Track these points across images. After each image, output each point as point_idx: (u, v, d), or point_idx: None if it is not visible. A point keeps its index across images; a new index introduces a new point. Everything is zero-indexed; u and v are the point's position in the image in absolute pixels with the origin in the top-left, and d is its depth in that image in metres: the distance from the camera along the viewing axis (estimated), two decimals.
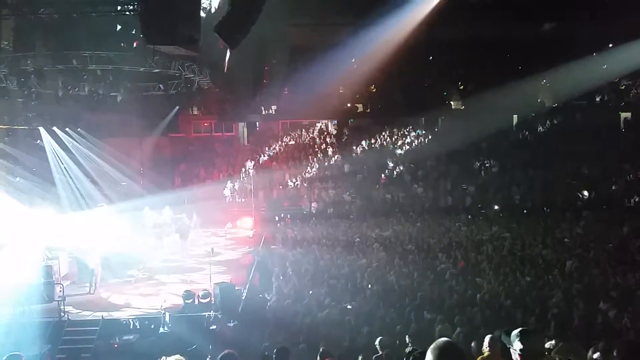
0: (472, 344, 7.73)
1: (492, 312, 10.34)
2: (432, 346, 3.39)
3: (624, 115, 35.43)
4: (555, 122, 34.46)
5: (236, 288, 14.56)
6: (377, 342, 8.03)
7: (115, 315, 13.92)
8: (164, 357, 4.95)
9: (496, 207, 26.52)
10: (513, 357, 4.30)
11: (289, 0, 25.31)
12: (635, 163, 26.75)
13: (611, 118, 34.42)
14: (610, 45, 30.11)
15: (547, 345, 5.84)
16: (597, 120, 31.85)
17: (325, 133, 36.22)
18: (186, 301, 13.74)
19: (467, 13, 28.54)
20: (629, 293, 11.31)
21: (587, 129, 30.71)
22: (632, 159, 27.11)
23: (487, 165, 30.17)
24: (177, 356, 4.88)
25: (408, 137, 33.53)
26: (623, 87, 35.34)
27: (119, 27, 24.40)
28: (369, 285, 12.90)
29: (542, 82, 34.88)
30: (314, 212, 26.85)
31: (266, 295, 14.55)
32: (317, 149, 33.12)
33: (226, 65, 9.63)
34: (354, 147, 32.36)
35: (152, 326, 13.19)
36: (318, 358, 7.81)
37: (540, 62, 31.50)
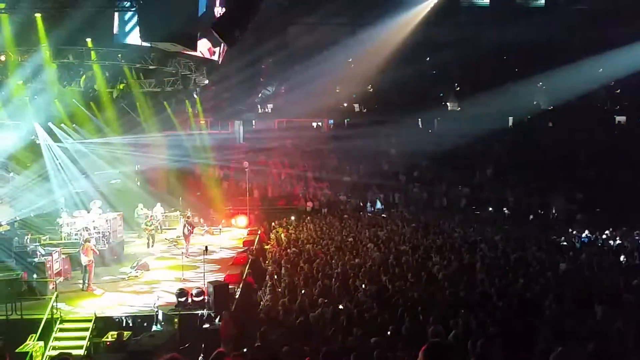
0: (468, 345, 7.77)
1: (485, 314, 10.35)
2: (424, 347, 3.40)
3: (619, 118, 35.63)
4: (550, 124, 34.61)
5: (230, 287, 14.55)
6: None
7: (108, 312, 13.88)
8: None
9: (490, 208, 26.63)
10: None
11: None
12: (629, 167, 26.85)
13: (606, 121, 34.61)
14: (606, 49, 30.24)
15: None
16: (591, 124, 32.01)
17: (322, 132, 36.23)
18: (179, 299, 13.72)
19: (464, 15, 28.65)
20: (620, 295, 11.35)
21: (581, 132, 30.84)
22: (626, 162, 27.21)
23: (482, 166, 30.23)
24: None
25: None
26: (618, 91, 35.49)
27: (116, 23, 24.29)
28: (363, 286, 12.90)
29: (538, 85, 35.00)
30: (309, 211, 26.87)
31: (259, 294, 14.56)
32: (313, 148, 33.11)
33: (220, 59, 9.64)
34: (350, 147, 32.36)
35: (145, 324, 13.17)
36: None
37: (536, 65, 31.61)
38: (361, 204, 28.20)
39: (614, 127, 35.20)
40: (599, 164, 28.00)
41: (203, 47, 19.23)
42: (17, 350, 11.76)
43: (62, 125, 25.45)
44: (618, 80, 32.98)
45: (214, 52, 20.25)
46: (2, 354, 10.95)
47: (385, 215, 25.29)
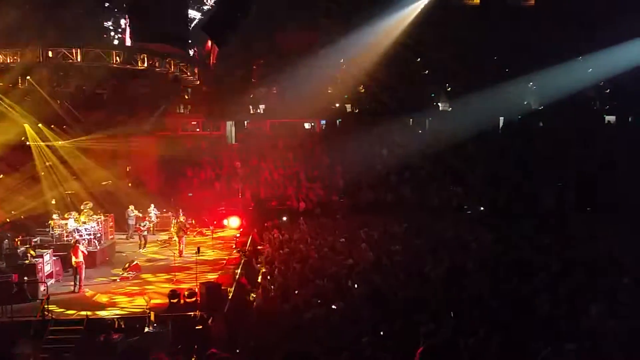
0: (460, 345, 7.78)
1: (478, 313, 10.38)
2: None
3: (608, 118, 35.85)
4: (540, 124, 34.77)
5: (222, 287, 14.54)
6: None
7: (100, 314, 13.83)
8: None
9: (482, 208, 26.69)
10: None
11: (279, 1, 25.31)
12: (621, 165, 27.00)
13: (596, 121, 34.82)
14: (596, 48, 30.44)
15: None
16: (581, 123, 32.17)
17: (314, 133, 36.21)
18: (172, 300, 13.68)
19: (455, 15, 28.73)
20: (613, 295, 11.41)
21: (572, 132, 30.99)
22: (616, 161, 27.37)
23: (473, 166, 30.29)
24: None
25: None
26: (608, 91, 35.71)
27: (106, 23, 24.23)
28: (355, 286, 12.91)
29: (529, 85, 35.17)
30: (301, 211, 26.82)
31: (252, 295, 14.54)
32: (305, 149, 33.08)
33: (212, 60, 9.64)
34: (342, 147, 32.33)
35: (137, 325, 13.11)
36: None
37: (526, 65, 31.76)
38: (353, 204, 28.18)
39: (604, 126, 35.40)
40: (589, 163, 28.12)
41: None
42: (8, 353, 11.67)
43: (53, 126, 25.32)
44: (608, 80, 33.19)
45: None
46: None
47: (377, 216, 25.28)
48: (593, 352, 7.92)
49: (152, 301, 14.03)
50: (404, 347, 8.16)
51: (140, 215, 22.83)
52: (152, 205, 23.62)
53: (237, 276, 16.06)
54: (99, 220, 19.96)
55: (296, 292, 12.91)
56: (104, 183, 25.22)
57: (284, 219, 24.37)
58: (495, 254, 16.46)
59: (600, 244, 17.32)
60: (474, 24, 28.77)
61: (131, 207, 23.08)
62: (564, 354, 7.88)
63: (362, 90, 36.94)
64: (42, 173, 24.52)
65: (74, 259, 15.73)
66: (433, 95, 37.18)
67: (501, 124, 35.82)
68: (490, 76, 30.94)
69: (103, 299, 15.16)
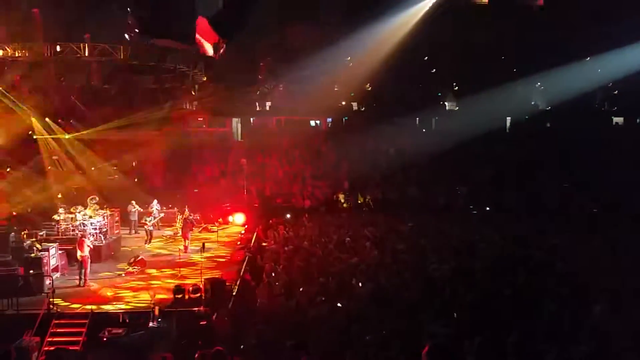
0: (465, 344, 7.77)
1: (482, 313, 10.35)
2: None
3: (616, 119, 35.69)
4: (548, 125, 34.64)
5: (227, 284, 14.56)
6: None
7: (105, 308, 13.87)
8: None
9: (488, 208, 26.64)
10: None
11: None
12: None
13: (603, 122, 34.66)
14: (605, 49, 30.30)
15: None
16: (589, 124, 32.03)
17: (319, 131, 36.19)
18: (176, 296, 13.72)
19: (463, 15, 28.64)
20: (617, 295, 11.36)
21: (579, 133, 30.86)
22: (624, 163, 27.22)
23: (480, 166, 30.22)
24: None
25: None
26: (616, 92, 35.53)
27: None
28: (360, 284, 12.90)
29: (536, 85, 35.03)
30: (306, 209, 26.84)
31: (257, 292, 14.54)
32: (310, 147, 33.08)
33: (219, 55, 9.61)
34: (348, 146, 32.29)
35: (142, 320, 13.14)
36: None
37: (534, 65, 31.63)
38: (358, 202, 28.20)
39: (611, 128, 35.24)
40: (596, 164, 28.01)
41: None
42: (13, 346, 11.72)
43: (60, 120, 25.41)
44: (616, 81, 33.03)
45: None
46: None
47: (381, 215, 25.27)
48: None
49: (157, 296, 14.06)
50: (408, 347, 8.15)
51: (142, 210, 22.90)
52: (155, 201, 23.66)
53: (242, 272, 16.07)
54: (105, 214, 20.01)
55: (300, 289, 12.91)
56: (109, 178, 25.29)
57: (288, 216, 24.36)
58: (500, 253, 16.44)
59: None
60: (482, 23, 28.65)
61: (133, 202, 23.14)
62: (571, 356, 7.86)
63: (369, 89, 36.89)
64: (49, 167, 24.61)
65: (79, 253, 15.78)
66: (440, 94, 37.11)
67: (508, 123, 35.74)
68: (498, 76, 30.81)
69: (108, 293, 15.18)
